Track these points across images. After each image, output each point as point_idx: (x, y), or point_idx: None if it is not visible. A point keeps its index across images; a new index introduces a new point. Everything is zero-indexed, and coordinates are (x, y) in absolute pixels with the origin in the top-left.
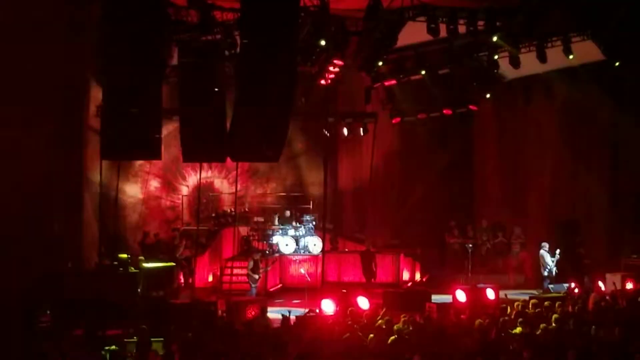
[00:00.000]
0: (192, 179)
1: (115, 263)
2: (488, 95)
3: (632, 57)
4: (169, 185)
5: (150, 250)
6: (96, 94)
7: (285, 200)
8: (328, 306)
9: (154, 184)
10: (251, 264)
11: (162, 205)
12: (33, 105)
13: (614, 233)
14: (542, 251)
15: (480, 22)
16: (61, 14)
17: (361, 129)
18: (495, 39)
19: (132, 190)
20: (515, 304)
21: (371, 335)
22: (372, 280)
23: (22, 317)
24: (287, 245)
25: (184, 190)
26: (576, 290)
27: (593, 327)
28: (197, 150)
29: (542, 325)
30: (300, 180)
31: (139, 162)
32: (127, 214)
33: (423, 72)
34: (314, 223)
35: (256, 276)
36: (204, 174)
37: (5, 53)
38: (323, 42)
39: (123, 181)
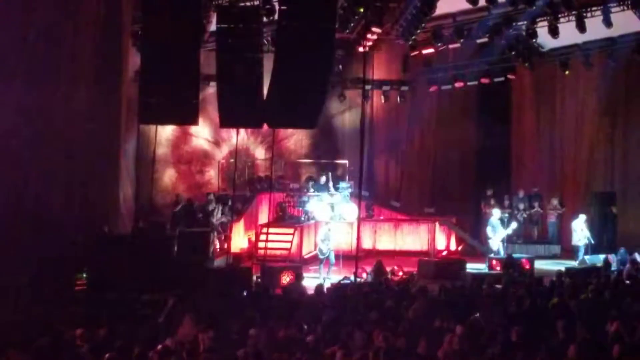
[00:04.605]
0: (226, 143)
1: (151, 227)
2: (526, 65)
3: None
4: (201, 150)
5: (184, 215)
6: (134, 60)
7: (320, 167)
8: (363, 274)
9: (186, 148)
10: (322, 233)
11: (192, 170)
12: (71, 71)
13: None
14: (575, 222)
15: None
16: None
17: (398, 97)
18: None
19: (164, 154)
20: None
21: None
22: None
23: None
24: (322, 212)
25: (218, 155)
26: (612, 262)
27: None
28: (234, 116)
29: (582, 296)
30: (335, 146)
31: (171, 127)
32: (158, 177)
33: (461, 41)
34: (349, 190)
35: (325, 247)
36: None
37: (45, 18)
38: (361, 10)
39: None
